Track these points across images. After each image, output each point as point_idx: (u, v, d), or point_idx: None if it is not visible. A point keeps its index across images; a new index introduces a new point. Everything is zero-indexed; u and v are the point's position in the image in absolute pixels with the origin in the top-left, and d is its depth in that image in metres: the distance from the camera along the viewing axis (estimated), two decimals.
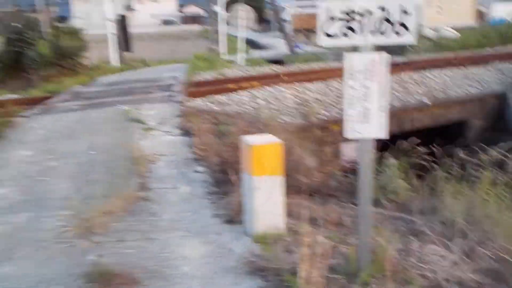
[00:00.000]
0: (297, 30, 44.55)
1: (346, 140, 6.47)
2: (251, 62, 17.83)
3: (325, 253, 3.07)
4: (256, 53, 27.54)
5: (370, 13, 3.14)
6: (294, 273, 3.06)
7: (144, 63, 18.14)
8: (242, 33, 17.44)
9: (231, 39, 20.15)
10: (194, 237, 3.91)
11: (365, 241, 3.24)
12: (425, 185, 5.17)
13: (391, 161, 5.71)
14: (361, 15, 3.15)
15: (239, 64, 16.36)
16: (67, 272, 3.38)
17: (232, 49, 19.16)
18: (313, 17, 45.13)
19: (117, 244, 3.77)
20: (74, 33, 15.29)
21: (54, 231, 4.01)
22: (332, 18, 3.17)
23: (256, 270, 3.35)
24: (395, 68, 11.88)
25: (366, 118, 3.22)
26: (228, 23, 19.60)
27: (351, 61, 3.19)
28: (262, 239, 3.75)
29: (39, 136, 6.95)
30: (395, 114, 9.94)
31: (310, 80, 10.64)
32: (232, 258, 3.56)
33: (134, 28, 29.28)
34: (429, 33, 30.20)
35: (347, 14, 3.16)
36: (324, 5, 3.17)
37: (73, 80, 12.27)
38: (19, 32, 14.39)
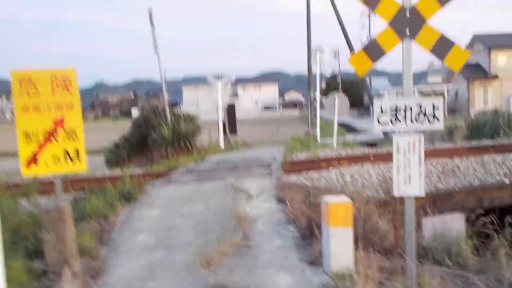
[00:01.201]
0: None
1: (427, 214, 7.70)
2: (345, 144, 19.20)
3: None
4: (351, 137, 28.90)
5: (410, 107, 4.45)
6: None
7: (247, 145, 20.20)
8: (337, 118, 18.98)
9: (328, 123, 21.77)
10: (283, 272, 5.19)
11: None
12: (488, 250, 6.08)
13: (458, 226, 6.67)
14: (404, 109, 4.46)
15: (333, 146, 17.75)
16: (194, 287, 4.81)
17: (328, 133, 20.70)
18: None
19: (228, 273, 5.15)
20: (191, 119, 17.83)
21: (183, 263, 5.49)
22: (382, 111, 4.51)
23: None
24: (477, 151, 12.61)
25: (410, 180, 4.43)
26: (325, 109, 21.29)
27: (398, 140, 4.48)
28: (335, 275, 4.93)
29: (164, 201, 8.70)
30: (474, 192, 10.67)
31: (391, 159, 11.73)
32: (311, 287, 4.78)
33: (238, 113, 32.24)
34: None
35: (394, 108, 4.49)
36: (377, 102, 4.54)
37: (187, 158, 14.37)
38: (146, 118, 17.21)
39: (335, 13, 26.37)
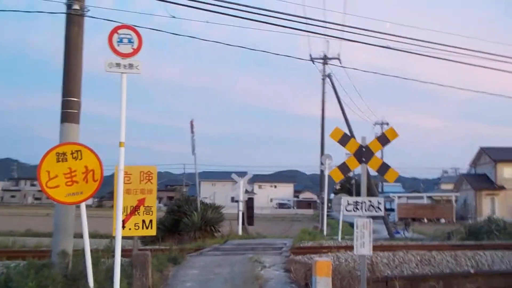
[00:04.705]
0: (402, 218, 47.92)
1: None
2: (347, 238, 21.93)
3: None
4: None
5: (364, 202, 7.57)
6: None
7: (261, 236, 23.02)
8: (343, 217, 21.87)
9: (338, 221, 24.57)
10: None
11: None
12: None
13: None
14: (361, 203, 7.58)
15: (337, 239, 20.49)
16: None
17: (336, 229, 23.45)
18: (419, 207, 48.13)
19: None
20: (216, 208, 21.02)
21: None
22: (348, 204, 7.63)
23: None
24: (451, 247, 15.41)
25: (363, 245, 7.43)
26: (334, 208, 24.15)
27: (357, 221, 7.55)
28: None
29: (200, 265, 11.62)
30: (444, 278, 13.32)
31: (383, 250, 14.57)
32: None
33: (254, 209, 35.28)
34: None
35: (355, 202, 7.61)
36: (344, 198, 7.66)
37: (213, 241, 17.30)
38: (179, 205, 20.44)
39: (345, 119, 30.16)
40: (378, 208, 7.48)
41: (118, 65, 6.83)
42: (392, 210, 52.22)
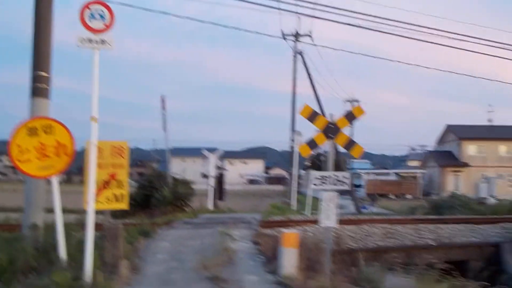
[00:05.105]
0: (370, 194, 49.11)
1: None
2: (317, 214, 22.46)
3: None
4: None
5: (331, 176, 7.87)
6: None
7: (232, 211, 23.33)
8: (310, 192, 22.34)
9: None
10: (253, 275, 8.35)
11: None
12: None
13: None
14: (328, 177, 7.88)
15: (306, 214, 20.98)
16: (198, 277, 7.95)
17: (305, 205, 23.96)
18: (386, 183, 49.25)
19: (219, 273, 8.30)
20: (187, 183, 21.21)
21: (190, 268, 8.63)
22: (316, 178, 7.91)
23: (278, 284, 7.72)
24: (414, 221, 16.03)
25: (329, 217, 7.75)
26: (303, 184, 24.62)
27: (324, 194, 7.85)
28: (284, 276, 8.09)
29: (171, 238, 11.84)
30: (406, 250, 13.90)
31: (349, 224, 15.06)
32: (268, 281, 7.95)
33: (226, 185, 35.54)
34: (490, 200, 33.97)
35: (322, 176, 7.90)
36: (312, 173, 7.94)
37: (183, 215, 17.52)
38: (150, 181, 20.53)
39: (316, 96, 30.48)
40: (344, 182, 7.81)
41: (90, 40, 6.84)
42: (360, 186, 53.39)
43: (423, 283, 8.64)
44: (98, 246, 8.50)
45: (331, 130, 7.80)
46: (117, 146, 8.96)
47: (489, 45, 15.76)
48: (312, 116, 8.00)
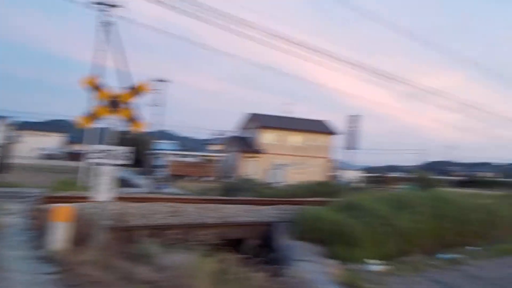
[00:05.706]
0: (174, 175, 49.81)
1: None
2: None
3: None
4: (124, 190, 31.62)
5: (109, 150, 7.77)
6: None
7: (17, 185, 21.49)
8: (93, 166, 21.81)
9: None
10: (20, 250, 7.87)
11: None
12: None
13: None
14: (106, 151, 7.76)
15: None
16: None
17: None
18: (188, 165, 50.60)
19: None
20: None
21: None
22: (94, 152, 7.74)
23: (42, 259, 7.38)
24: (203, 201, 16.79)
25: (104, 191, 7.66)
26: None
27: (103, 169, 7.71)
28: (50, 251, 7.75)
29: None
30: (186, 228, 14.47)
31: (138, 202, 15.10)
32: (32, 257, 7.55)
33: (18, 158, 32.59)
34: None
35: (100, 150, 7.75)
36: (90, 147, 7.75)
37: None
38: None
39: (119, 71, 29.61)
40: (123, 157, 7.76)
41: None
42: (164, 166, 53.81)
43: (195, 257, 9.12)
44: None
45: (114, 104, 7.68)
46: None
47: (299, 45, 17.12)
48: (96, 88, 7.76)
